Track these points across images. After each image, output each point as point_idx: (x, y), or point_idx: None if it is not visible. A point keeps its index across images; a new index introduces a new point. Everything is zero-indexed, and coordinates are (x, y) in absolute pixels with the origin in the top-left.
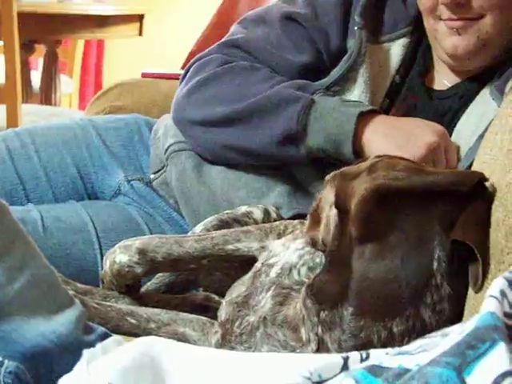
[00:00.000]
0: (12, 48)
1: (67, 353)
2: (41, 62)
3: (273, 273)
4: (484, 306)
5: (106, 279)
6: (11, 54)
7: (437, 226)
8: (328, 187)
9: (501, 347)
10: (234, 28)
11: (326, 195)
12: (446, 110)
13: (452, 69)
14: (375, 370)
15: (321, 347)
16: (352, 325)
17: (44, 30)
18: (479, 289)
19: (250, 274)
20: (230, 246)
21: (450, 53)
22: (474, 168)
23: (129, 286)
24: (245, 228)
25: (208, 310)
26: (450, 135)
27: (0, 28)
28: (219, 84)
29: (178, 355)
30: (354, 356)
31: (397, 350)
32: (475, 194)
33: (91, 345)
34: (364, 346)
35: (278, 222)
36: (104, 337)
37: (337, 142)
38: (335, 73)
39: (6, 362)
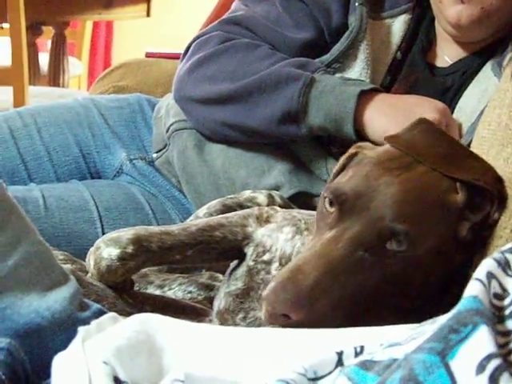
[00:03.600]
0: (18, 30)
1: (61, 330)
2: (50, 44)
3: (273, 270)
4: (467, 290)
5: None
6: (17, 36)
7: None
8: None
9: (482, 330)
10: (234, 5)
11: None
12: (448, 87)
13: (455, 40)
14: (367, 365)
15: None
16: None
17: (50, 11)
18: None
19: (242, 271)
20: (217, 233)
21: (454, 22)
22: (473, 143)
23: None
24: (223, 215)
25: (213, 288)
26: (452, 112)
27: (6, 10)
28: (219, 61)
29: (174, 332)
30: (349, 350)
31: (389, 341)
32: None
33: (86, 322)
34: None
35: (251, 209)
36: (99, 314)
37: (338, 120)
38: (336, 49)
39: None
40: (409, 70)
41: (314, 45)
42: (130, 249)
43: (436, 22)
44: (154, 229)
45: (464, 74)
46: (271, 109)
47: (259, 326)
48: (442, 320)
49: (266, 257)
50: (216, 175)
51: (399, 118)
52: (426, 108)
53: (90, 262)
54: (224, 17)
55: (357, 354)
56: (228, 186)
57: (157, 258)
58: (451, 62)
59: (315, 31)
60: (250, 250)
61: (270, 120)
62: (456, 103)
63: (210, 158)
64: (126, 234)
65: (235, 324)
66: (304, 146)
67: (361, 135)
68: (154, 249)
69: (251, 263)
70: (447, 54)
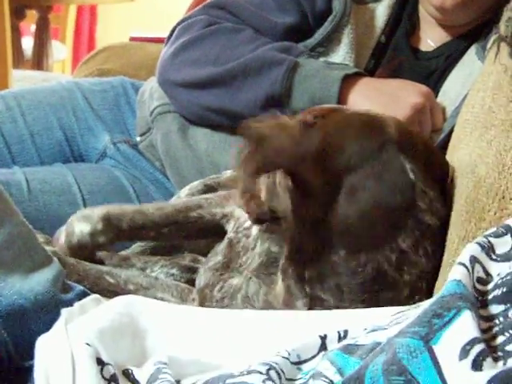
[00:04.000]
0: (2, 13)
1: (44, 311)
2: (33, 28)
3: (254, 231)
4: (451, 274)
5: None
6: (1, 20)
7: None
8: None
9: (466, 315)
10: None
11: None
12: (432, 71)
13: (439, 23)
14: (350, 349)
15: (314, 302)
16: (351, 264)
17: None
18: None
19: (223, 245)
20: (194, 214)
21: (438, 5)
22: (456, 126)
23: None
24: (204, 196)
25: (195, 271)
26: (436, 96)
27: None
28: (203, 46)
29: (157, 314)
30: (332, 335)
31: (372, 326)
32: None
33: (69, 303)
34: (374, 278)
35: (235, 190)
36: (82, 295)
37: (321, 104)
38: (320, 34)
39: None
40: (393, 54)
41: (298, 29)
42: (99, 226)
43: (420, 5)
44: (128, 207)
45: (448, 57)
46: (255, 93)
47: (232, 294)
48: (425, 304)
49: (246, 224)
50: (199, 159)
51: (383, 101)
52: (410, 92)
53: (62, 237)
54: (208, 1)
55: (340, 339)
56: (211, 169)
57: (127, 235)
58: (435, 46)
59: (299, 15)
60: (230, 226)
61: (253, 104)
62: (440, 87)
63: (193, 142)
64: (98, 211)
65: (212, 297)
66: None
67: None
68: (124, 227)
69: (232, 235)
70: (431, 37)
